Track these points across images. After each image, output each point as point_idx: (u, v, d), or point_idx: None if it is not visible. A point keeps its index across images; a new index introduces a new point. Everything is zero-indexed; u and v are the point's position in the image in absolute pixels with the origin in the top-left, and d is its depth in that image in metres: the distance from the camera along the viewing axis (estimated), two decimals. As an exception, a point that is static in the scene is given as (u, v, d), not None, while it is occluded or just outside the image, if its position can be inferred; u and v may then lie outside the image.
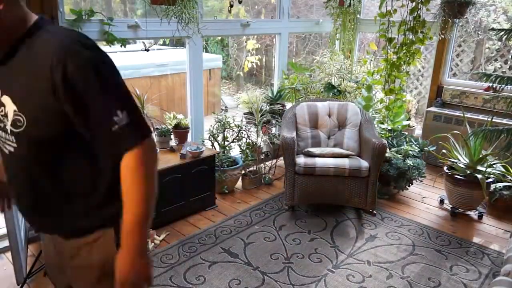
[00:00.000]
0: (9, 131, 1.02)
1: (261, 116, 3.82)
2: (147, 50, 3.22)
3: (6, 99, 1.01)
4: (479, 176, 3.11)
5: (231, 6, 3.42)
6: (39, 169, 1.06)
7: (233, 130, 3.68)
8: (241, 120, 3.86)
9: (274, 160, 4.16)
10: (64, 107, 0.96)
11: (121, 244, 1.03)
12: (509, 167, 3.23)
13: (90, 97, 0.96)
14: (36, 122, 0.99)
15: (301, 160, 3.15)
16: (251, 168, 3.90)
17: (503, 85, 2.85)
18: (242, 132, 3.71)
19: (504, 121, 3.84)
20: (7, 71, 1.01)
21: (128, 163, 1.00)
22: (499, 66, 4.77)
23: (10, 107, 1.00)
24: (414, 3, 3.43)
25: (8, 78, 1.01)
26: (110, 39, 2.73)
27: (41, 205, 1.12)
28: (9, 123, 1.01)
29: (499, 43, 4.68)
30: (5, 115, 1.01)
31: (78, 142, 1.04)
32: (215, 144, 3.69)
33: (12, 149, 1.05)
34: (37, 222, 1.17)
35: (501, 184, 3.25)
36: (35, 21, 1.03)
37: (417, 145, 3.71)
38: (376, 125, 3.68)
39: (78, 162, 1.07)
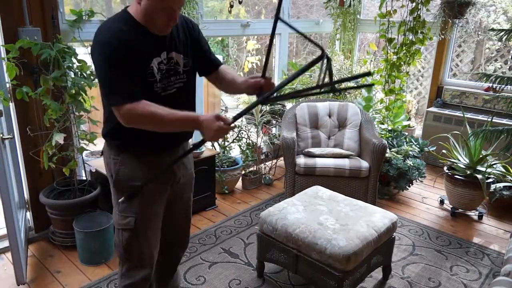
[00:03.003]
0: (181, 71, 1.58)
1: (261, 116, 3.82)
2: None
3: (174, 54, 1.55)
4: (479, 176, 3.11)
5: (231, 6, 3.42)
6: (192, 94, 1.69)
7: (233, 130, 3.69)
8: (241, 120, 3.86)
9: (274, 161, 4.16)
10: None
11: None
12: (509, 167, 3.23)
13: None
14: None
15: (301, 160, 3.15)
16: (251, 169, 3.90)
17: (503, 86, 2.85)
18: (242, 133, 3.71)
19: (504, 121, 3.84)
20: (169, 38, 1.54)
21: None
22: (499, 67, 4.77)
23: (179, 57, 1.57)
24: (414, 4, 3.43)
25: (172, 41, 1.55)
26: (110, 40, 2.72)
27: None
28: (181, 66, 1.58)
29: (499, 43, 4.68)
30: (177, 63, 1.57)
31: None
32: (215, 144, 3.69)
33: (181, 85, 1.59)
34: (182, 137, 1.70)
35: (501, 184, 3.25)
36: None
37: (417, 146, 3.71)
38: (376, 126, 3.68)
39: None
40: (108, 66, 1.42)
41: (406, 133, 3.91)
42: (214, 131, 1.45)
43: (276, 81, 4.43)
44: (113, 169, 1.62)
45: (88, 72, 2.54)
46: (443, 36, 3.99)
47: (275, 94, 1.59)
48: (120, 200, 1.61)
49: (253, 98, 1.78)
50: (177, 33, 1.57)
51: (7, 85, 2.43)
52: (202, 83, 3.58)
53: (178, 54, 1.57)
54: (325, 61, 1.40)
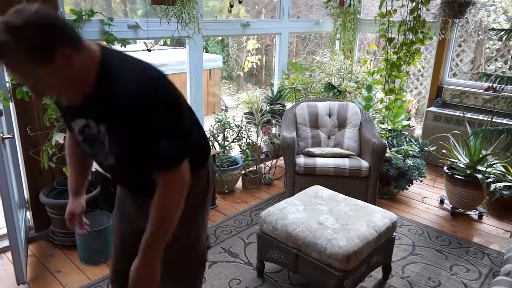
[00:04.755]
0: None
1: (261, 116, 3.82)
2: (149, 50, 3.21)
3: None
4: (479, 176, 3.11)
5: (231, 6, 3.42)
6: None
7: (233, 130, 3.69)
8: (241, 120, 3.86)
9: (274, 160, 4.16)
10: None
11: (139, 255, 1.23)
12: (509, 167, 3.23)
13: None
14: None
15: (301, 160, 3.15)
16: (251, 168, 3.90)
17: (503, 85, 2.85)
18: (242, 132, 3.71)
19: (504, 121, 3.84)
20: None
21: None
22: (499, 66, 4.77)
23: None
24: (414, 3, 3.43)
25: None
26: (110, 39, 2.73)
27: None
28: None
29: (499, 43, 4.68)
30: None
31: None
32: (215, 144, 3.69)
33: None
34: None
35: (501, 184, 3.25)
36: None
37: (417, 145, 3.71)
38: (376, 125, 3.68)
39: None
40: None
41: (406, 133, 3.91)
42: None
43: (277, 81, 4.43)
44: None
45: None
46: (443, 36, 3.99)
47: None
48: None
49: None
50: None
51: (7, 84, 2.43)
52: (202, 82, 3.58)
53: None
54: None
